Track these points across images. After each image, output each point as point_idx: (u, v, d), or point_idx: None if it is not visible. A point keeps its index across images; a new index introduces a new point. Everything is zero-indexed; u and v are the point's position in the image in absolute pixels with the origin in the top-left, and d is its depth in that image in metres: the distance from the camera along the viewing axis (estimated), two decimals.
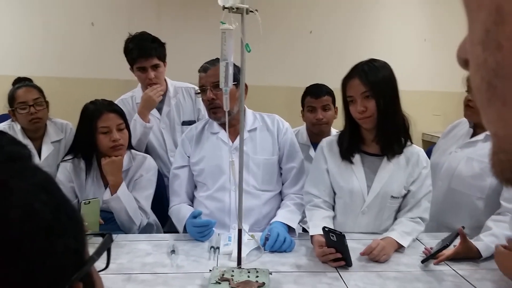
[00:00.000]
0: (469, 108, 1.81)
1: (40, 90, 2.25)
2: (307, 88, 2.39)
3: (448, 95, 4.06)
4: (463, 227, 1.56)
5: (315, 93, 2.31)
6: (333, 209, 1.81)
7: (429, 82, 4.10)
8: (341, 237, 1.48)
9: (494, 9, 0.29)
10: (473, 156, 1.80)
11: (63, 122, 2.40)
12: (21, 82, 2.32)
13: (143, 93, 2.30)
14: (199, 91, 1.90)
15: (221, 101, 1.73)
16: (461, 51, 0.35)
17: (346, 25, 3.96)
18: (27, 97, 2.18)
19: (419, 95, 4.11)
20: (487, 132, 1.75)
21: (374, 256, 1.54)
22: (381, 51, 3.95)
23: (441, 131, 4.03)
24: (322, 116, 2.28)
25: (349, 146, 1.73)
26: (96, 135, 1.87)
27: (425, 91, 4.12)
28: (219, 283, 1.32)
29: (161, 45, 2.30)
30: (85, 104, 1.94)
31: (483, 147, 1.79)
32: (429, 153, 3.22)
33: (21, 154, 0.46)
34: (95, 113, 1.88)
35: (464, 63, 0.35)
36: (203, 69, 1.88)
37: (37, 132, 2.27)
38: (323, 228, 1.53)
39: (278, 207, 1.93)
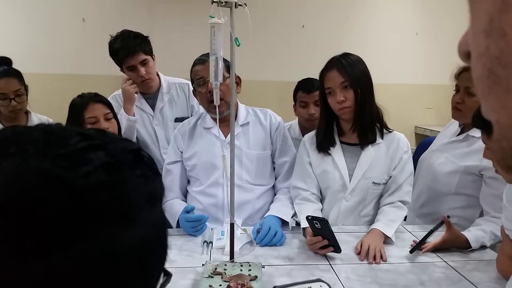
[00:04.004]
0: (457, 110, 1.85)
1: (20, 78, 2.20)
2: (299, 82, 2.37)
3: (440, 88, 4.06)
4: (448, 216, 1.59)
5: (307, 88, 2.29)
6: (321, 202, 1.84)
7: (421, 76, 4.11)
8: (324, 223, 1.50)
9: None
10: (449, 156, 1.88)
11: (42, 117, 2.39)
12: (0, 62, 2.22)
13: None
14: (199, 84, 1.83)
15: (224, 93, 1.73)
16: (462, 44, 0.35)
17: (338, 19, 3.96)
18: (8, 89, 2.15)
19: (411, 88, 4.13)
20: (469, 133, 1.81)
21: (373, 254, 1.54)
22: (374, 45, 3.98)
23: (434, 124, 4.09)
24: (314, 111, 2.26)
25: (325, 138, 1.79)
26: (84, 126, 1.87)
27: (417, 84, 4.13)
28: (212, 277, 1.33)
29: (144, 39, 2.28)
30: (72, 99, 1.94)
31: (458, 147, 1.87)
32: (422, 146, 3.25)
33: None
34: (82, 105, 1.89)
35: (465, 56, 0.35)
36: (201, 61, 1.84)
37: (15, 120, 2.26)
38: (307, 217, 1.55)
39: (272, 202, 1.94)
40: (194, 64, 1.89)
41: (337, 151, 1.78)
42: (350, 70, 1.65)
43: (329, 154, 1.79)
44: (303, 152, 1.86)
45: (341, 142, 1.80)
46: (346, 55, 1.71)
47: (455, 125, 1.99)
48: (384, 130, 1.78)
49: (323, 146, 1.79)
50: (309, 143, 1.85)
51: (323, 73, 1.71)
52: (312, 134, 1.87)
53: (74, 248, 0.37)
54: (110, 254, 0.40)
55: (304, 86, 2.30)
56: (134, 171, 0.43)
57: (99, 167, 0.40)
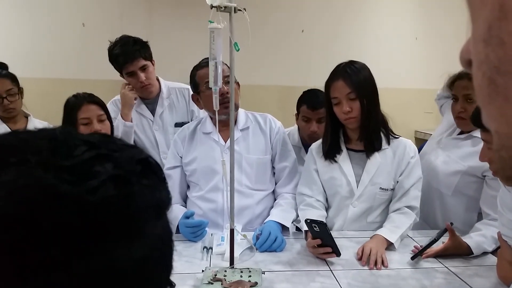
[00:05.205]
0: (461, 119, 1.84)
1: (13, 79, 2.25)
2: (304, 94, 2.25)
3: None
4: (451, 223, 1.58)
5: (312, 105, 2.15)
6: (326, 210, 1.83)
7: (420, 80, 4.11)
8: (323, 226, 1.51)
9: (497, 6, 0.29)
10: (451, 156, 1.87)
11: (42, 123, 2.39)
12: None
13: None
14: (208, 87, 1.82)
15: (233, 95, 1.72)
16: (464, 52, 0.35)
17: (338, 24, 3.96)
18: (0, 89, 2.19)
19: (411, 93, 4.12)
20: (472, 133, 1.79)
21: (375, 259, 1.53)
22: (373, 49, 3.97)
23: (434, 129, 4.03)
24: (316, 128, 2.16)
25: (331, 146, 1.79)
26: (77, 127, 1.87)
27: (416, 89, 4.13)
28: (212, 283, 1.32)
29: (144, 45, 2.28)
30: (67, 98, 1.94)
31: (461, 146, 1.86)
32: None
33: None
34: (76, 105, 1.89)
35: (467, 63, 0.34)
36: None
37: (13, 121, 2.30)
38: (306, 220, 1.55)
39: (272, 207, 1.93)
40: (201, 67, 1.87)
41: (343, 158, 1.79)
42: (356, 79, 1.66)
43: (336, 161, 1.79)
44: (310, 159, 1.87)
45: (348, 149, 1.80)
46: (351, 64, 1.71)
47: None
48: (391, 136, 1.78)
49: (330, 153, 1.80)
50: (316, 151, 1.86)
51: (329, 82, 1.71)
52: (319, 142, 1.88)
53: (77, 265, 0.36)
54: (114, 270, 0.38)
55: (309, 102, 2.17)
56: (142, 182, 0.41)
57: (107, 181, 0.38)
